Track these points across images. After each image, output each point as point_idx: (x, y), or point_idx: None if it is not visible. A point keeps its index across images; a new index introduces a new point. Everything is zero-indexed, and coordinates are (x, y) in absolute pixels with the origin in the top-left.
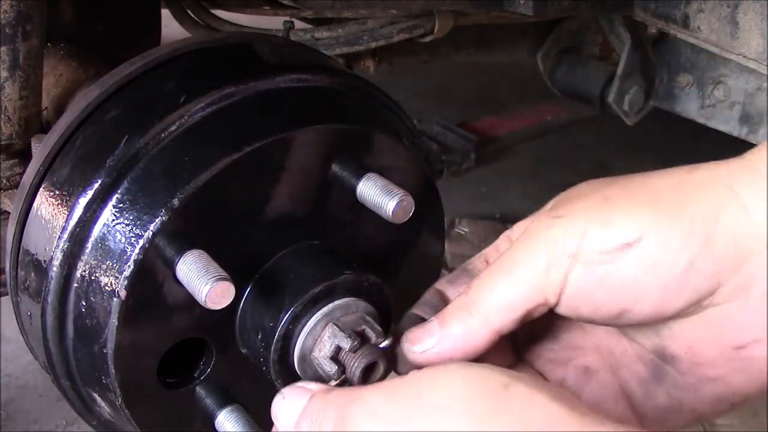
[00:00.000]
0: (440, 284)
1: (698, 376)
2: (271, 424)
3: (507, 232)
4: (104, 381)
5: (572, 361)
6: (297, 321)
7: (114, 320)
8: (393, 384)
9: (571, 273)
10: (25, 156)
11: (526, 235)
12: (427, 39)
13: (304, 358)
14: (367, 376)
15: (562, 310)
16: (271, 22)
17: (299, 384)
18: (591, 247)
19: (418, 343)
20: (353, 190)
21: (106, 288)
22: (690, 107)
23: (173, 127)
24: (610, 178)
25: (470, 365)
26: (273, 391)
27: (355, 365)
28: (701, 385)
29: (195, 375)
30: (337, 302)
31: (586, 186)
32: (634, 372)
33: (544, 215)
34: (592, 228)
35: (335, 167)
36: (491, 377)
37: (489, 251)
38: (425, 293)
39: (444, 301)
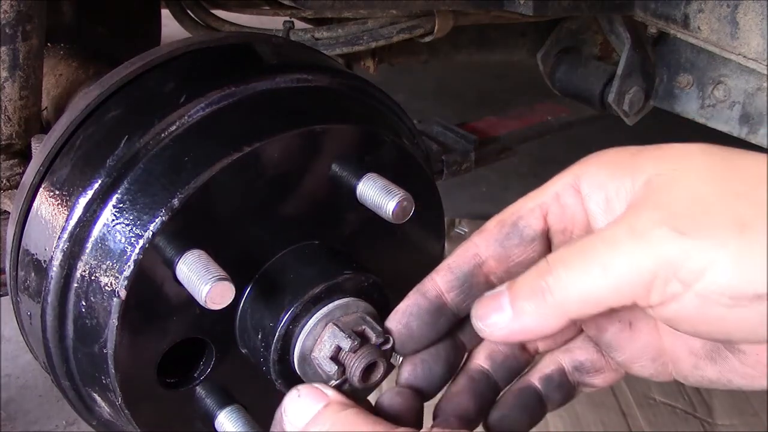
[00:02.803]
0: (479, 239)
1: (762, 371)
2: (271, 423)
3: (570, 178)
4: (104, 381)
5: (618, 313)
6: (297, 321)
7: (114, 320)
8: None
9: (679, 299)
10: (25, 156)
11: (629, 232)
12: (427, 39)
13: (304, 358)
14: (367, 376)
15: (650, 312)
16: (271, 22)
17: (316, 385)
18: (716, 288)
19: (487, 319)
20: (353, 190)
21: (106, 288)
22: (690, 107)
23: (173, 127)
24: (724, 159)
25: None
26: (273, 391)
27: (355, 365)
28: (761, 377)
29: (195, 375)
30: (337, 302)
31: (705, 183)
32: (688, 345)
33: (652, 212)
34: (724, 267)
35: (335, 167)
36: None
37: (545, 200)
38: (459, 255)
39: (482, 267)
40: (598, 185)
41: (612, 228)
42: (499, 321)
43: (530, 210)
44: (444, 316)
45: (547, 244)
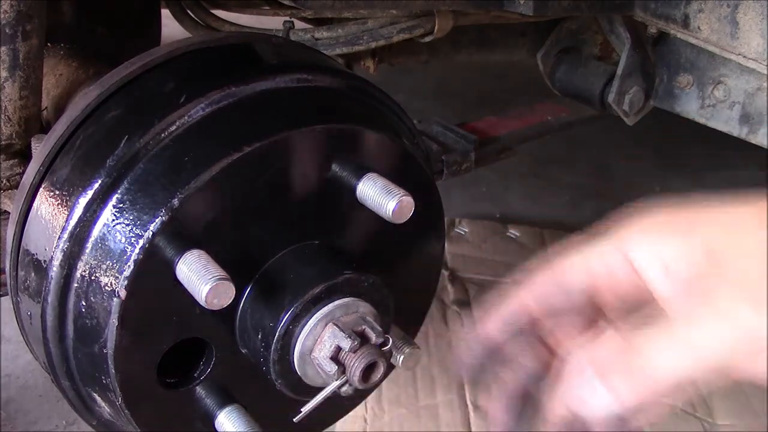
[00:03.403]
0: (524, 303)
1: None
2: (271, 423)
3: (617, 245)
4: (104, 381)
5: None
6: (297, 321)
7: (114, 320)
8: None
9: None
10: (25, 156)
11: (713, 314)
12: (427, 39)
13: (304, 358)
14: (367, 376)
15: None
16: (271, 22)
17: None
18: None
19: (583, 405)
20: (353, 190)
21: (106, 288)
22: (690, 107)
23: (173, 127)
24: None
25: None
26: (273, 391)
27: (355, 365)
28: None
29: (195, 375)
30: (337, 302)
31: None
32: None
33: (730, 291)
34: None
35: (335, 167)
36: None
37: (594, 269)
38: (506, 316)
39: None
40: (650, 253)
41: (693, 309)
42: (598, 404)
43: (578, 281)
44: None
45: (595, 310)
